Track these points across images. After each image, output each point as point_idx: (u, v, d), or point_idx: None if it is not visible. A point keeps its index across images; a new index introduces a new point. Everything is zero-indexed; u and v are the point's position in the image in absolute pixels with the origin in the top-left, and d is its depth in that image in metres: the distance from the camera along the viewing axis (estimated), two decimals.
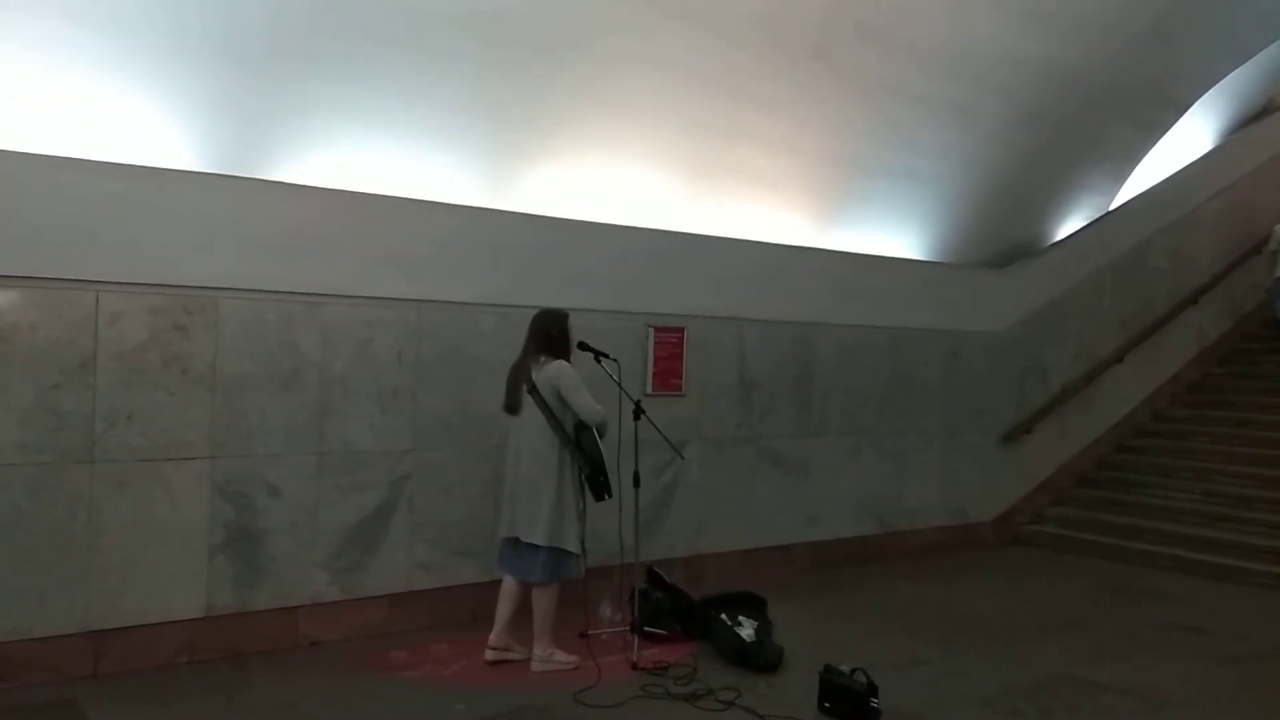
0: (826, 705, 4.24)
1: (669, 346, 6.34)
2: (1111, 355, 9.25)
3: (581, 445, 4.68)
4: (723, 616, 5.15)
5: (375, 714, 4.25)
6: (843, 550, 7.35)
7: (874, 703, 4.14)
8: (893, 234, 7.99)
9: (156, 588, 4.65)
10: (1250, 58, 8.93)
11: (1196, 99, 9.05)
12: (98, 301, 4.48)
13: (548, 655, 4.78)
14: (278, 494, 4.98)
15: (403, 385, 5.37)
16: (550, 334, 4.79)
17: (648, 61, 5.98)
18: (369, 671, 4.75)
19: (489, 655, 4.84)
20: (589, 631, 5.20)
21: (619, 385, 4.96)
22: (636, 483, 4.95)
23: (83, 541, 4.47)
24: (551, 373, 4.69)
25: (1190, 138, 10.11)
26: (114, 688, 4.37)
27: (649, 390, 6.20)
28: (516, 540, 4.75)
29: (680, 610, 5.37)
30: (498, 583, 5.04)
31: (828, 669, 4.31)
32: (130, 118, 4.72)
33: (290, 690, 4.47)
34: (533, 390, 4.69)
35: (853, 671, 4.24)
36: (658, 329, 6.30)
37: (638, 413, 4.95)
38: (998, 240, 8.71)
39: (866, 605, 6.28)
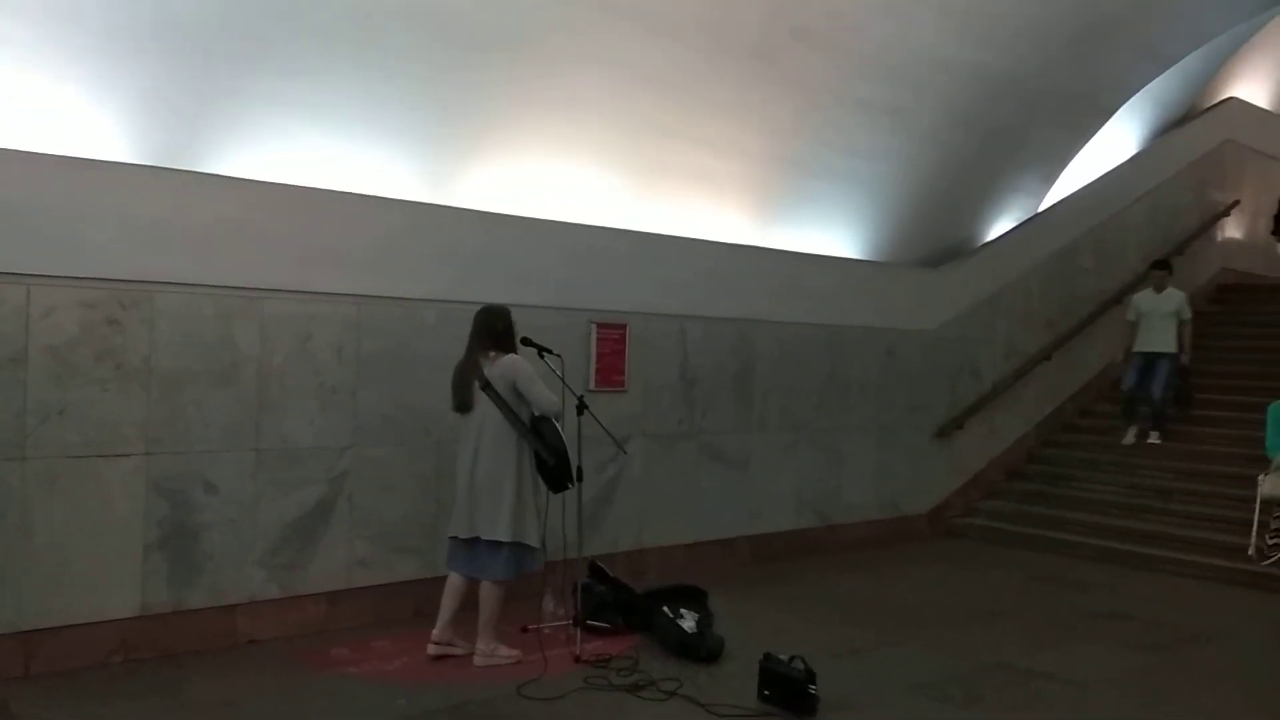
0: (766, 693, 4.32)
1: (612, 343, 6.38)
2: (1040, 353, 9.52)
3: (543, 436, 4.70)
4: (665, 609, 5.21)
5: (318, 710, 4.23)
6: (782, 543, 7.46)
7: (812, 689, 4.22)
8: (832, 234, 8.13)
9: (90, 587, 4.56)
10: (1171, 65, 9.25)
11: (1121, 105, 9.35)
12: (29, 295, 4.38)
13: (491, 650, 4.79)
14: (215, 491, 4.92)
15: (343, 381, 5.34)
16: (496, 329, 4.79)
17: (592, 60, 6.02)
18: (310, 669, 4.71)
19: (431, 650, 4.83)
20: (531, 626, 5.22)
21: (563, 381, 4.98)
22: (579, 478, 4.98)
23: (13, 540, 4.37)
24: (506, 367, 4.70)
25: (1115, 142, 10.44)
26: (46, 689, 4.28)
27: (592, 386, 6.23)
28: (473, 540, 4.73)
29: (623, 604, 5.42)
30: (439, 579, 5.04)
31: (767, 657, 4.39)
32: (64, 109, 4.62)
33: (230, 688, 4.42)
34: (486, 386, 4.69)
35: (791, 659, 4.33)
36: (601, 325, 6.34)
37: (581, 408, 4.99)
38: (932, 240, 8.91)
39: (805, 597, 6.39)
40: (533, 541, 4.72)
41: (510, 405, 4.68)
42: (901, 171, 8.18)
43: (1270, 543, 5.67)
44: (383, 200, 5.46)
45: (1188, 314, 8.86)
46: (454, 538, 4.84)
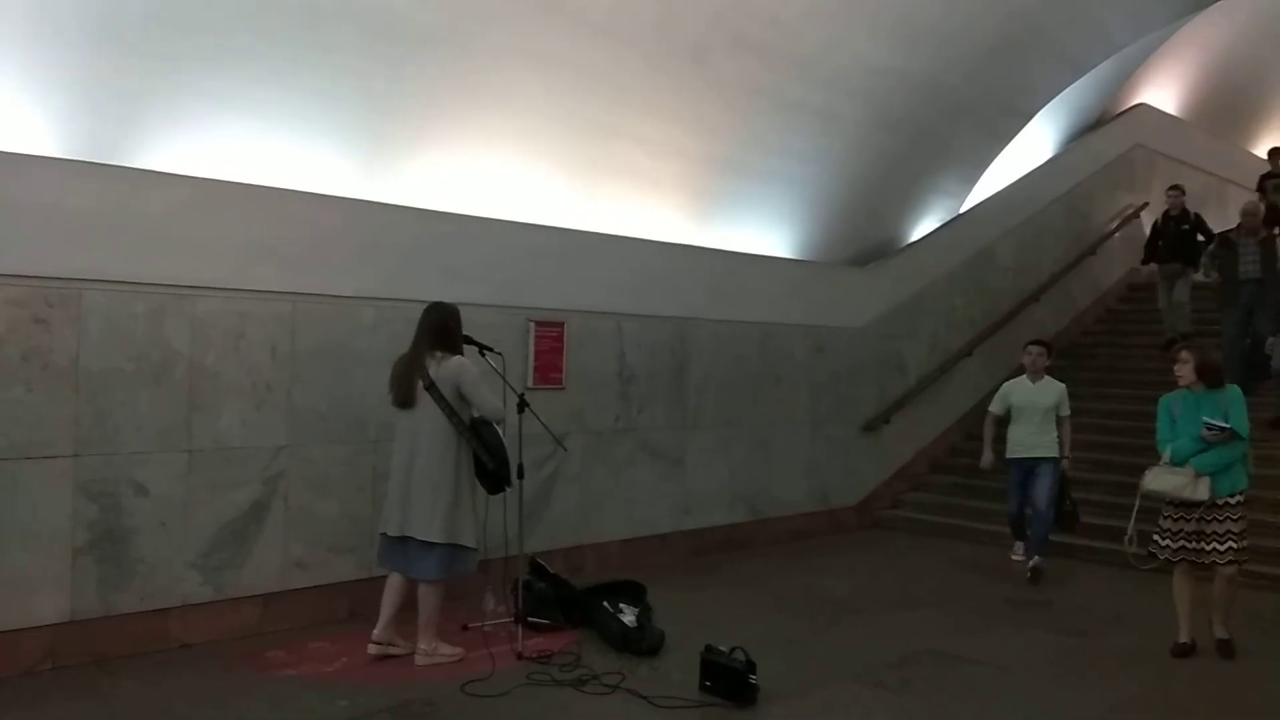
0: (707, 684, 4.40)
1: (549, 341, 6.41)
2: (962, 349, 9.83)
3: (484, 439, 4.69)
4: (605, 604, 5.26)
5: (255, 714, 4.18)
6: (716, 537, 7.58)
7: (752, 679, 4.32)
8: (765, 233, 8.27)
9: (16, 592, 4.42)
10: (1086, 72, 9.61)
11: (1038, 110, 9.69)
12: None
13: (432, 649, 4.78)
14: (146, 493, 4.81)
15: (277, 380, 5.26)
16: (447, 328, 4.77)
17: (531, 58, 6.03)
18: (246, 671, 4.65)
19: (372, 650, 4.80)
20: (472, 624, 5.22)
21: (503, 379, 5.00)
22: (520, 475, 5.00)
23: None
24: (453, 368, 4.68)
25: (1032, 146, 10.81)
26: None
27: (530, 383, 6.24)
28: (406, 538, 4.71)
29: (563, 600, 5.46)
30: (376, 579, 5.01)
31: (708, 649, 4.47)
32: None
33: (163, 693, 4.35)
34: (431, 387, 4.67)
35: (732, 651, 4.41)
36: (538, 323, 6.36)
37: (522, 405, 5.01)
38: (859, 240, 9.12)
39: (741, 590, 6.50)
40: (468, 542, 4.71)
41: (454, 407, 4.67)
42: (831, 173, 8.36)
43: (1149, 549, 5.28)
44: (318, 196, 5.40)
45: (1068, 409, 7.12)
46: (384, 535, 4.81)
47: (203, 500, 5.01)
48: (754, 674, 4.34)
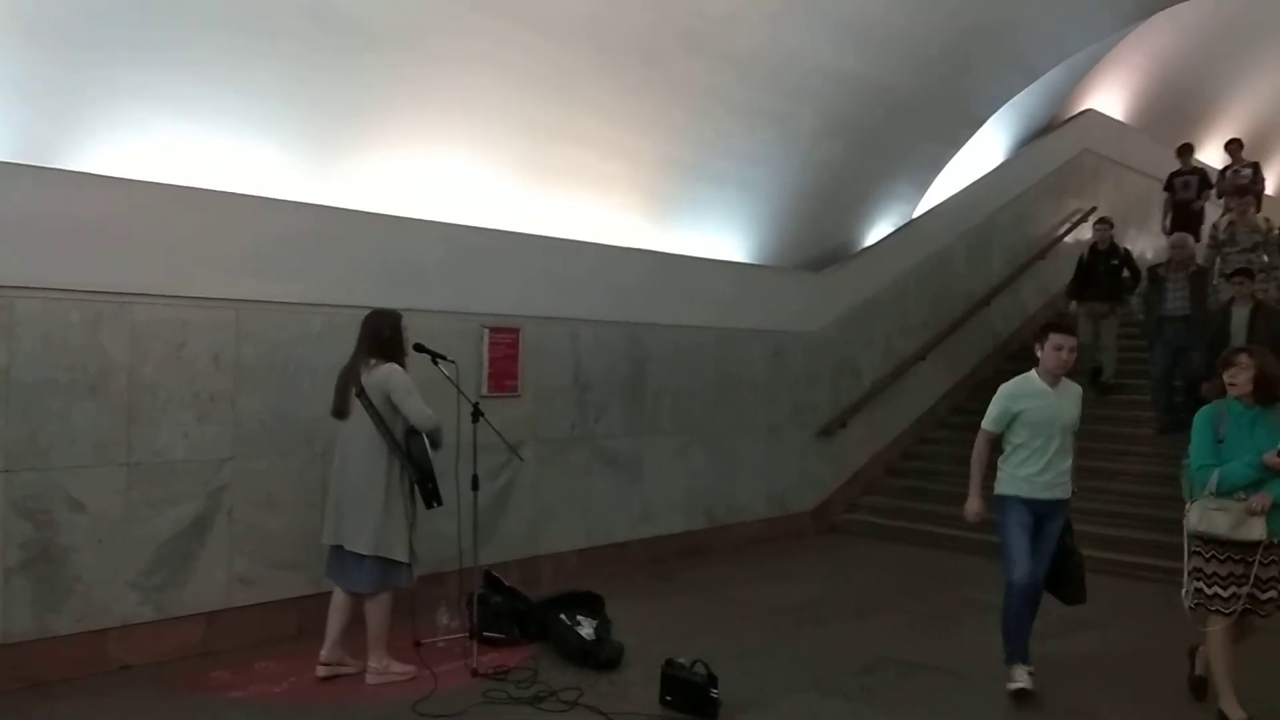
0: (668, 698, 4.33)
1: (504, 348, 6.29)
2: (915, 353, 9.87)
3: (410, 452, 4.56)
4: (562, 617, 5.16)
5: None
6: (675, 545, 7.51)
7: (714, 693, 4.25)
8: (720, 237, 8.22)
9: None
10: (1037, 78, 9.71)
11: (989, 115, 9.76)
12: None
13: (383, 667, 4.65)
14: (82, 509, 4.61)
15: (220, 390, 5.08)
16: (382, 335, 4.64)
17: (482, 60, 5.91)
18: (189, 693, 4.48)
19: (321, 671, 4.66)
20: (425, 640, 5.08)
21: (457, 387, 4.88)
22: (475, 486, 4.88)
23: None
24: (381, 376, 4.54)
25: (983, 151, 10.90)
26: None
27: (485, 391, 6.12)
28: (343, 549, 4.58)
29: (519, 613, 5.34)
30: (325, 595, 4.86)
31: (669, 663, 4.39)
32: None
33: (103, 717, 4.18)
34: (361, 394, 4.54)
35: (693, 664, 4.34)
36: (493, 330, 6.24)
37: (476, 414, 4.89)
38: (815, 244, 9.11)
39: (699, 598, 6.43)
40: (400, 556, 4.57)
41: (383, 416, 4.53)
42: (786, 177, 8.34)
43: (1193, 601, 4.29)
44: (262, 200, 5.23)
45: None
46: (329, 546, 4.70)
47: (143, 516, 4.81)
48: (715, 687, 4.27)
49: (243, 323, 5.15)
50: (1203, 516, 4.25)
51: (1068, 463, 4.72)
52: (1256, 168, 11.04)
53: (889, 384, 9.53)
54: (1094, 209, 12.52)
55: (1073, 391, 4.83)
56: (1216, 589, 4.25)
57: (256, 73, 5.15)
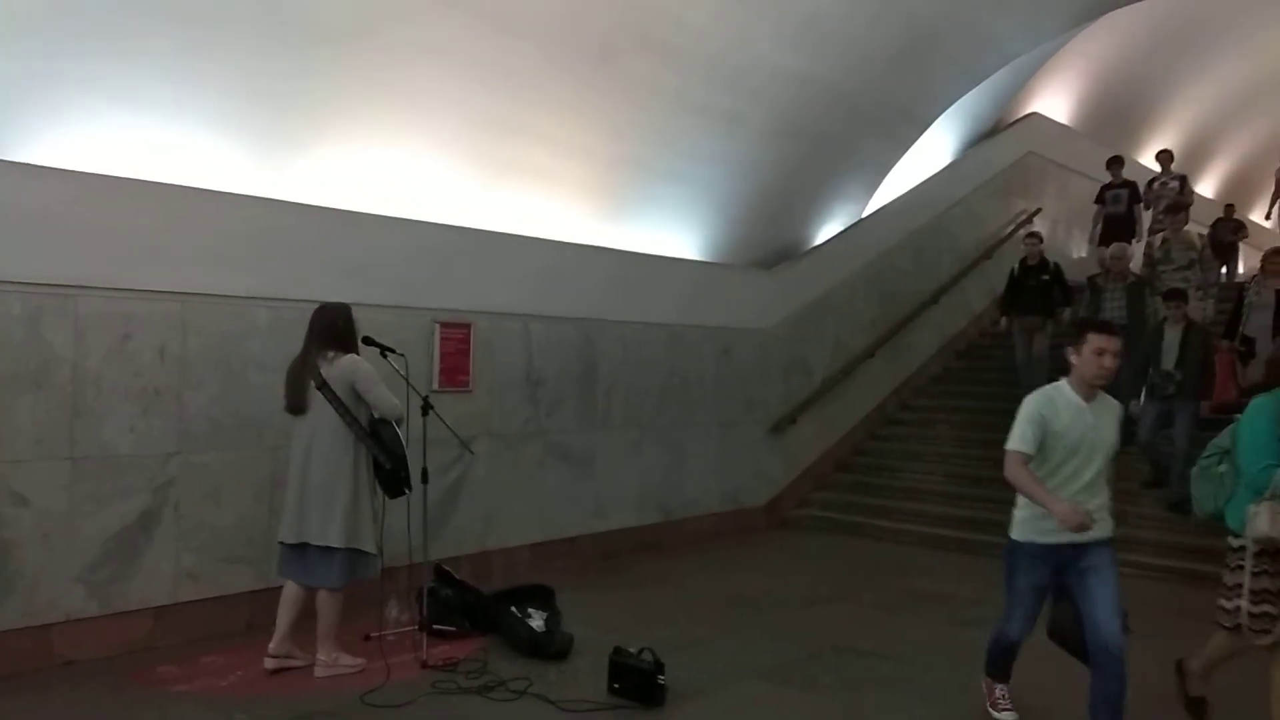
0: (616, 686, 4.38)
1: (456, 343, 6.30)
2: (865, 350, 10.03)
3: (382, 440, 4.57)
4: (512, 609, 5.20)
5: None
6: (627, 540, 7.56)
7: (661, 680, 4.31)
8: (673, 234, 8.29)
9: None
10: (981, 81, 9.90)
11: (936, 117, 9.94)
12: None
13: (332, 660, 4.65)
14: (25, 503, 4.55)
15: (166, 384, 5.04)
16: (337, 328, 4.64)
17: (434, 53, 5.91)
18: (135, 688, 4.45)
19: (269, 664, 4.65)
20: (375, 634, 5.08)
21: (407, 381, 4.89)
22: (425, 480, 4.90)
23: None
24: (345, 367, 4.55)
25: (931, 152, 11.10)
26: None
27: (436, 386, 6.13)
28: (304, 545, 4.57)
29: (470, 606, 5.37)
30: (273, 590, 4.85)
31: (617, 651, 4.45)
32: None
33: (47, 712, 4.14)
34: (323, 386, 4.53)
35: (640, 652, 4.40)
36: (444, 325, 6.25)
37: (426, 408, 4.90)
38: (765, 242, 9.22)
39: (650, 591, 6.50)
40: (368, 547, 4.59)
41: (348, 407, 4.54)
42: (737, 175, 8.43)
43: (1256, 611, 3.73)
44: (210, 192, 5.19)
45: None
46: (283, 543, 4.66)
47: (87, 511, 4.77)
48: (662, 674, 4.33)
49: (189, 316, 5.11)
50: (1276, 521, 3.59)
51: (1105, 495, 3.91)
52: (1184, 180, 11.16)
53: (839, 381, 9.67)
54: (1039, 210, 12.82)
55: (1111, 409, 3.94)
56: (1266, 606, 3.71)
57: (208, 64, 5.11)
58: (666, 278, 7.96)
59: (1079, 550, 3.82)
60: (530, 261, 6.81)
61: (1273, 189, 11.29)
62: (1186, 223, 9.57)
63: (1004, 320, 9.95)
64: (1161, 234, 9.41)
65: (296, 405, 4.62)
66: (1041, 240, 9.98)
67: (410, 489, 4.70)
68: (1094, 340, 3.81)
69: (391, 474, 4.60)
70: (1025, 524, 3.96)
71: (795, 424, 9.16)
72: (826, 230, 9.91)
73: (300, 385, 4.60)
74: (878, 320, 10.30)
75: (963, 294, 11.59)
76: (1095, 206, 11.38)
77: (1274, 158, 16.27)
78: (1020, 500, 3.98)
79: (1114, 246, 9.12)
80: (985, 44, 9.03)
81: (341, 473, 4.52)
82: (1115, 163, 11.35)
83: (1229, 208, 14.45)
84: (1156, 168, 11.75)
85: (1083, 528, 3.68)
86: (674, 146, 7.75)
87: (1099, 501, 3.85)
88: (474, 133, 6.42)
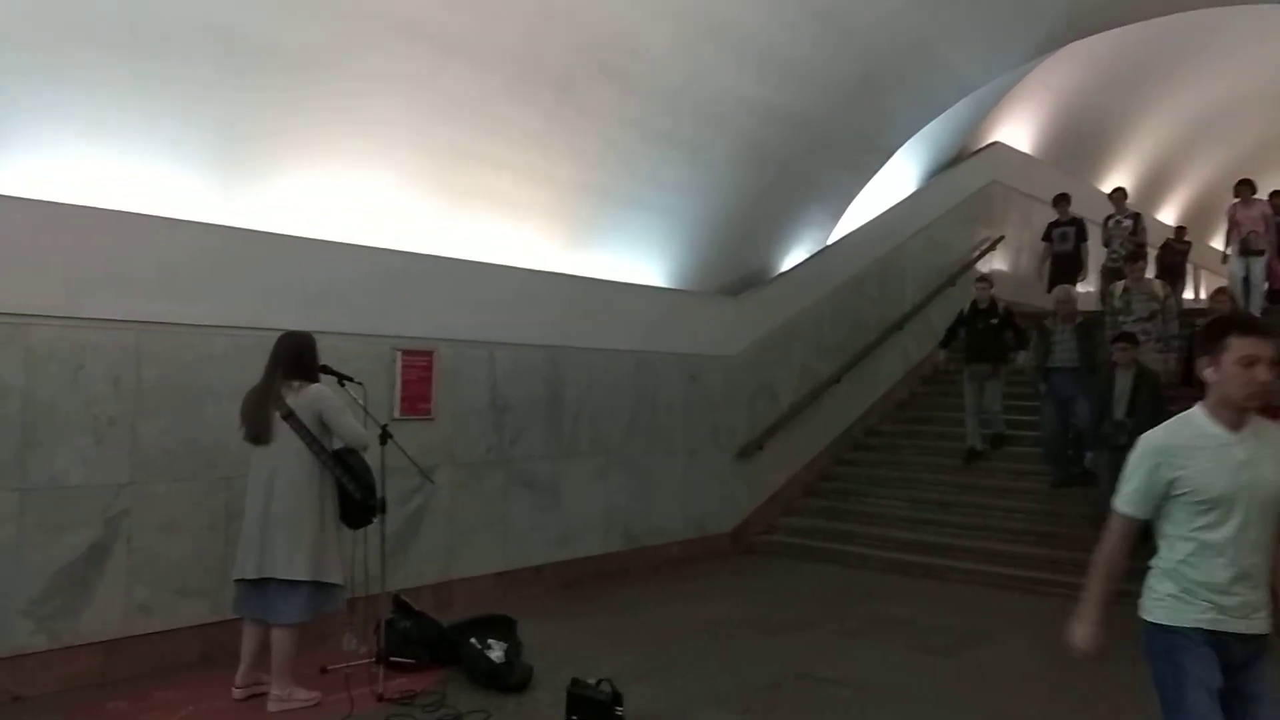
0: (574, 718, 4.34)
1: (417, 370, 6.27)
2: (831, 376, 10.07)
3: (351, 469, 4.54)
4: (472, 640, 5.14)
5: None
6: (592, 567, 7.52)
7: (619, 711, 4.28)
8: (637, 261, 8.32)
9: None
10: (942, 111, 10.06)
11: (899, 146, 10.08)
12: None
13: (287, 694, 4.57)
14: None
15: (120, 414, 4.98)
16: (303, 358, 4.61)
17: (395, 81, 5.93)
18: None
19: (236, 694, 4.63)
20: (333, 666, 5.01)
21: (365, 410, 4.85)
22: (382, 509, 4.85)
23: None
24: (312, 397, 4.52)
25: (895, 181, 11.23)
26: None
27: (397, 415, 6.09)
28: (265, 580, 4.49)
29: (429, 637, 5.30)
30: (228, 622, 4.80)
31: (575, 682, 4.41)
32: None
33: None
34: (289, 416, 4.49)
35: (599, 683, 4.37)
36: (405, 352, 6.22)
37: (385, 437, 4.86)
38: (731, 270, 9.27)
39: (614, 619, 6.46)
40: (334, 579, 4.55)
41: (315, 436, 4.50)
42: (702, 203, 8.49)
43: None
44: (166, 220, 5.15)
45: None
46: (240, 580, 4.57)
47: (37, 542, 4.68)
48: (620, 705, 4.30)
49: (144, 345, 5.06)
50: None
51: (1266, 562, 2.76)
52: (1138, 218, 10.91)
53: (805, 406, 9.70)
54: (1001, 238, 12.97)
55: (1274, 439, 2.80)
56: None
57: (165, 93, 5.09)
58: (633, 305, 7.98)
59: (1237, 644, 2.73)
60: (494, 288, 6.80)
61: (1226, 226, 11.27)
62: (1147, 270, 9.16)
63: (943, 354, 9.91)
64: (1123, 283, 8.84)
65: (258, 435, 4.56)
66: (992, 284, 9.74)
67: (375, 518, 4.66)
68: (1238, 346, 2.70)
69: (361, 504, 4.57)
70: (1164, 604, 2.81)
71: (762, 450, 9.17)
72: (792, 257, 9.98)
73: (262, 415, 4.54)
74: (844, 346, 10.36)
75: (927, 320, 11.65)
76: (1042, 245, 11.37)
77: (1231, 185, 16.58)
78: (1152, 570, 2.87)
79: (1058, 289, 8.91)
80: (945, 75, 9.18)
81: (308, 503, 4.48)
82: (1061, 200, 11.32)
83: (1180, 229, 14.71)
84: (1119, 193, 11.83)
85: (1088, 652, 2.87)
86: (638, 174, 7.79)
87: (1259, 576, 2.74)
88: (436, 160, 6.43)
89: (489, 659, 4.99)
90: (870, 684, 5.15)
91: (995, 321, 9.28)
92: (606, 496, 7.71)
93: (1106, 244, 11.04)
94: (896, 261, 11.24)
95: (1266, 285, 10.55)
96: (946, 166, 12.33)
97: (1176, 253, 13.62)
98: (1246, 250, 10.44)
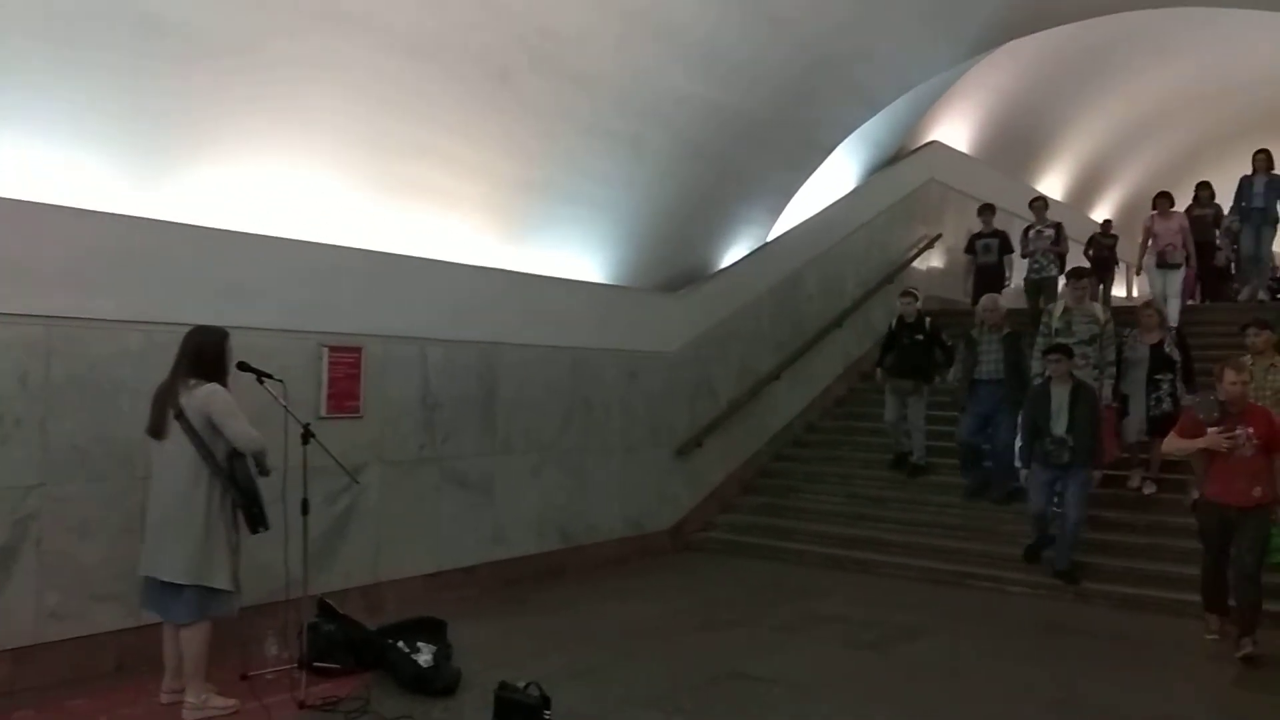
0: None
1: (345, 367, 6.12)
2: (770, 373, 10.09)
3: (234, 475, 4.39)
4: (400, 644, 5.03)
5: None
6: (527, 567, 7.42)
7: (547, 714, 4.21)
8: (576, 257, 8.23)
9: None
10: (881, 109, 10.12)
11: (838, 144, 10.12)
12: None
13: (201, 702, 4.43)
14: None
15: (28, 412, 4.76)
16: (205, 355, 4.46)
17: (325, 70, 5.77)
18: None
19: (164, 699, 4.51)
20: (253, 673, 4.87)
21: (286, 408, 4.71)
22: (305, 510, 4.71)
23: None
24: (202, 397, 4.36)
25: (835, 179, 11.28)
26: None
27: (324, 412, 5.94)
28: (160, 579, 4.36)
29: (354, 642, 5.16)
30: (146, 627, 4.65)
31: (503, 686, 4.34)
32: None
33: None
34: (180, 416, 4.34)
35: (527, 686, 4.29)
36: (332, 349, 6.06)
37: (306, 436, 4.72)
38: (671, 265, 9.23)
39: (548, 620, 6.38)
40: (220, 584, 4.39)
41: (204, 438, 4.35)
42: (641, 199, 8.43)
43: None
44: (78, 211, 4.94)
45: None
46: (145, 576, 4.48)
47: None
48: (549, 709, 4.24)
49: (54, 340, 4.85)
50: None
51: None
52: (1059, 228, 10.91)
53: (745, 403, 9.70)
54: (939, 236, 13.11)
55: None
56: None
57: (75, 78, 4.88)
58: (570, 300, 7.89)
59: None
60: (427, 284, 6.67)
61: (1140, 239, 11.05)
62: (1089, 292, 8.42)
63: (878, 373, 9.44)
64: (1063, 303, 8.21)
65: (155, 430, 4.44)
66: (917, 299, 9.40)
67: (267, 526, 4.49)
68: None
69: (244, 510, 4.42)
70: None
71: (701, 447, 9.15)
72: (732, 254, 9.97)
73: (161, 411, 4.42)
74: (783, 343, 10.38)
75: (866, 317, 11.76)
76: (966, 257, 11.37)
77: (1164, 184, 16.95)
78: None
79: (984, 298, 8.75)
80: (884, 73, 9.23)
81: (195, 505, 4.33)
82: (986, 210, 11.31)
83: (1106, 223, 15.03)
84: (1056, 195, 11.91)
85: None
86: (575, 168, 7.71)
87: None
88: (366, 151, 6.28)
89: (415, 663, 4.88)
90: (802, 681, 5.14)
91: (920, 338, 9.03)
92: (542, 495, 7.61)
93: (1028, 256, 10.98)
94: (836, 258, 11.29)
95: (1179, 300, 10.46)
96: (885, 164, 12.43)
97: (1104, 246, 13.91)
98: (1164, 263, 10.50)
